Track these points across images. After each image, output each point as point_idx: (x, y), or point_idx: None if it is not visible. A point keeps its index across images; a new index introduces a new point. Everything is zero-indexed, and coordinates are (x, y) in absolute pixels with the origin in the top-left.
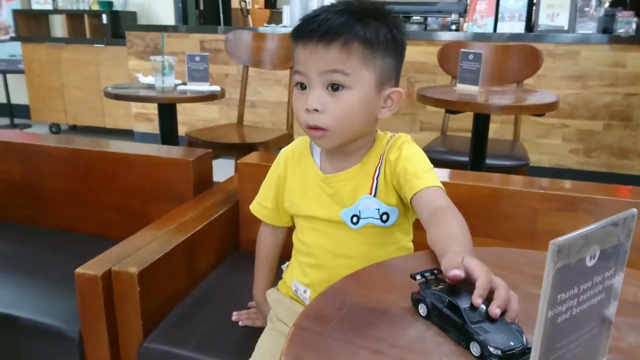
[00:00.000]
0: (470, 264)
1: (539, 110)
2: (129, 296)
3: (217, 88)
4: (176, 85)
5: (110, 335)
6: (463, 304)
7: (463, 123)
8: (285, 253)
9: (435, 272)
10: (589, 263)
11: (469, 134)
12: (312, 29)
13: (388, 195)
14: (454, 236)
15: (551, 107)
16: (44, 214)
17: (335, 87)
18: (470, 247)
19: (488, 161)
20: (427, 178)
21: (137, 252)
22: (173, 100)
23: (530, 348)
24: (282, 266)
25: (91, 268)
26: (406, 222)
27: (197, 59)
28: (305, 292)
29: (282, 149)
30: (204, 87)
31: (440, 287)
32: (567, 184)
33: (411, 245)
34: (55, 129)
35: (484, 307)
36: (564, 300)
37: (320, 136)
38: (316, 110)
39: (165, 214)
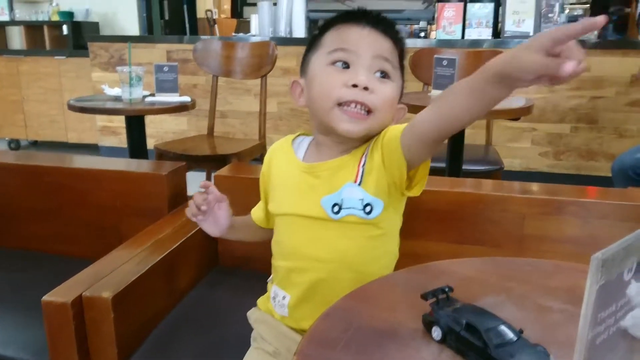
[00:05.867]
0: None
1: (515, 115)
2: (102, 323)
3: (187, 99)
4: (144, 96)
5: None
6: (483, 326)
7: None
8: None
9: (446, 290)
10: (626, 277)
11: (444, 140)
12: (369, 15)
13: (373, 184)
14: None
15: (526, 111)
16: (8, 233)
17: (382, 74)
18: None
19: (464, 166)
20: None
21: (110, 274)
22: (142, 112)
23: None
24: (267, 280)
25: (60, 295)
26: (390, 223)
27: (166, 69)
28: (284, 298)
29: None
30: (174, 98)
31: (453, 307)
32: (553, 187)
33: (397, 250)
34: (14, 144)
35: (504, 328)
36: (603, 320)
37: (364, 119)
38: (365, 88)
39: (139, 230)
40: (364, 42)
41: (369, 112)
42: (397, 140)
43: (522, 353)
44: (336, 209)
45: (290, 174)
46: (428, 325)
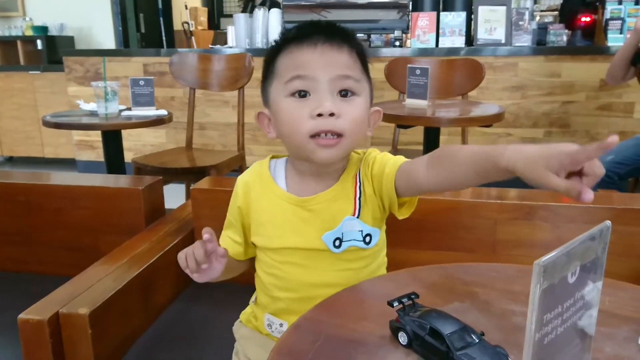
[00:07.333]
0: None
1: (487, 122)
2: (80, 341)
3: (164, 112)
4: (120, 111)
5: None
6: (445, 330)
7: (413, 137)
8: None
9: (412, 296)
10: (571, 280)
11: (420, 147)
12: (320, 31)
13: (370, 215)
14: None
15: (498, 118)
16: None
17: (344, 93)
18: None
19: None
20: (400, 159)
21: (87, 291)
22: (118, 127)
23: None
24: (251, 301)
25: (36, 312)
26: (381, 241)
27: (142, 83)
28: (281, 325)
29: (239, 177)
30: (150, 112)
31: (419, 313)
32: (523, 193)
33: (386, 259)
34: None
35: (466, 331)
36: (549, 321)
37: (334, 144)
38: (331, 114)
39: (117, 247)
40: (319, 65)
41: (339, 135)
42: (391, 181)
43: (483, 355)
44: (337, 242)
45: (278, 207)
46: (395, 330)
